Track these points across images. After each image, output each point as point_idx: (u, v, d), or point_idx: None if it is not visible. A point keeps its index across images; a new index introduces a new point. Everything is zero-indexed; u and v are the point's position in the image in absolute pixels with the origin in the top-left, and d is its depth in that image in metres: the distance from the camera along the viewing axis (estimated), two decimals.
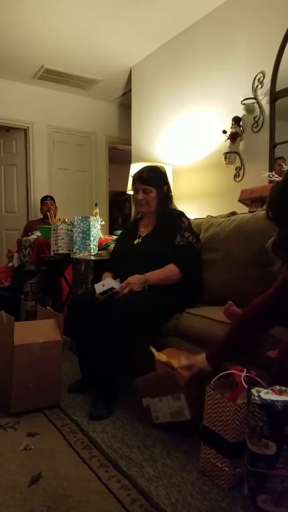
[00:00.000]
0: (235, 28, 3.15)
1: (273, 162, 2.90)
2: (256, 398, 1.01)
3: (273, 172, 2.94)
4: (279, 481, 1.00)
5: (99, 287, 2.04)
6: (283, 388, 1.06)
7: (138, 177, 2.25)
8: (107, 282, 2.02)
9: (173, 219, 2.22)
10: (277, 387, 1.06)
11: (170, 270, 2.09)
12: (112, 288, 2.01)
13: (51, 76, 4.76)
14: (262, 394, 1.02)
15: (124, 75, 4.70)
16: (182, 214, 2.27)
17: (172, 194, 2.43)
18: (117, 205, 8.02)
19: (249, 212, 2.56)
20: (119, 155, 6.40)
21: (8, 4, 3.30)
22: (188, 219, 2.27)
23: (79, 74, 4.69)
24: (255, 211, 2.53)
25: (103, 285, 2.01)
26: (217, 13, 3.32)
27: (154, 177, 2.23)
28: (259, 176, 2.94)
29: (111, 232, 4.68)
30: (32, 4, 3.32)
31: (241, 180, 3.11)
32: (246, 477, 1.07)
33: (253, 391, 1.04)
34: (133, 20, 3.56)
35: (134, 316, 1.90)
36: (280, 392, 1.03)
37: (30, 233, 3.80)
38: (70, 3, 3.31)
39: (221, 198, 3.27)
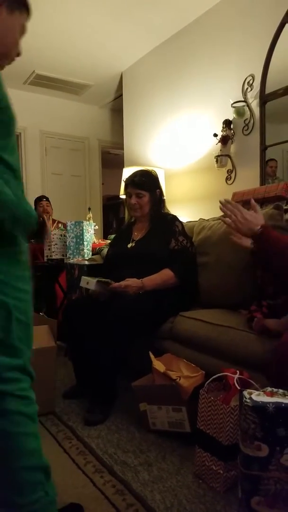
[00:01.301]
0: (225, 32, 3.17)
1: (265, 165, 2.92)
2: (248, 400, 1.01)
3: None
4: (273, 483, 1.00)
5: (83, 282, 2.05)
6: (275, 389, 1.06)
7: (130, 181, 2.26)
8: (91, 283, 2.02)
9: (167, 223, 2.23)
10: (269, 389, 1.07)
11: (166, 275, 2.09)
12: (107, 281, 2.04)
13: (43, 82, 4.76)
14: (253, 396, 1.02)
15: (115, 79, 4.72)
16: (175, 218, 2.28)
17: (165, 198, 2.44)
18: (112, 209, 8.02)
19: None
20: (113, 159, 6.41)
21: None
22: (181, 223, 2.29)
23: (71, 79, 4.70)
24: None
25: (87, 282, 2.02)
26: (206, 17, 3.35)
27: (147, 181, 2.24)
28: (251, 179, 2.96)
29: (105, 236, 4.68)
30: None
31: (232, 182, 3.12)
32: (240, 480, 1.07)
33: (245, 393, 1.04)
34: (124, 25, 3.57)
35: (132, 317, 1.90)
36: (272, 394, 1.04)
37: None
38: (60, 9, 3.32)
39: (213, 201, 3.28)
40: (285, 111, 2.82)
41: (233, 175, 3.13)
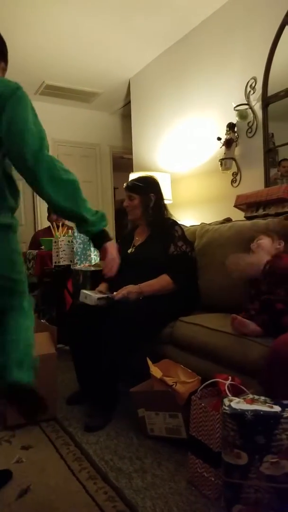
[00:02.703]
0: (227, 36, 3.16)
1: (270, 166, 2.89)
2: (227, 408, 1.01)
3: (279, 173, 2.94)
4: (253, 491, 0.99)
5: (82, 296, 2.07)
6: (256, 397, 1.05)
7: (125, 185, 2.31)
8: (90, 298, 2.04)
9: (167, 228, 2.23)
10: (250, 396, 1.06)
11: (164, 281, 2.09)
12: (107, 296, 2.05)
13: (53, 91, 4.84)
14: (233, 404, 1.01)
15: (123, 86, 4.76)
16: (175, 223, 2.27)
17: (166, 202, 2.43)
18: (126, 212, 8.05)
19: (245, 217, 2.56)
20: (127, 163, 6.44)
21: (7, 23, 3.39)
22: (181, 227, 2.28)
23: (80, 88, 4.76)
24: (250, 216, 2.53)
25: (86, 297, 2.05)
26: (208, 23, 3.35)
27: (138, 185, 2.28)
28: (256, 181, 2.94)
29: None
30: (30, 22, 3.39)
31: (238, 185, 3.10)
32: (223, 488, 1.06)
33: (225, 400, 1.04)
34: (129, 34, 3.61)
35: (132, 322, 1.91)
36: (252, 401, 1.03)
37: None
38: (66, 22, 3.38)
39: (220, 204, 3.27)
40: None
41: (238, 177, 3.10)
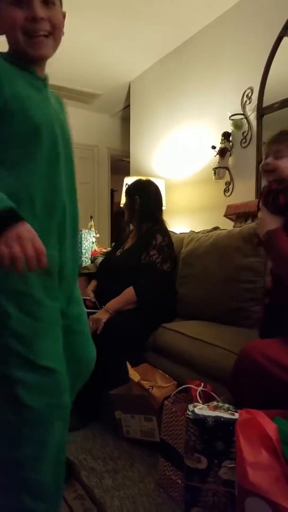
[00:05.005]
0: (226, 45, 3.20)
1: (261, 177, 2.92)
2: (190, 413, 1.04)
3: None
4: (211, 494, 1.03)
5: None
6: (220, 404, 1.09)
7: None
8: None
9: (150, 234, 2.18)
10: (214, 403, 1.09)
11: (128, 294, 2.03)
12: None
13: (53, 91, 4.87)
14: (196, 409, 1.05)
15: (124, 89, 4.80)
16: (158, 231, 2.19)
17: (163, 208, 2.44)
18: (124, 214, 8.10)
19: (234, 227, 2.59)
20: (126, 166, 6.49)
21: None
22: (163, 237, 2.18)
23: (80, 89, 4.80)
24: (240, 227, 2.56)
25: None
26: (207, 31, 3.39)
27: (128, 187, 2.33)
28: (248, 191, 2.98)
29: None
30: None
31: (230, 194, 3.14)
32: (183, 490, 1.10)
33: (190, 406, 1.08)
34: (132, 36, 3.64)
35: (119, 335, 1.92)
36: (215, 408, 1.07)
37: None
38: (70, 20, 3.40)
39: (212, 212, 3.31)
40: None
41: (231, 187, 3.14)
